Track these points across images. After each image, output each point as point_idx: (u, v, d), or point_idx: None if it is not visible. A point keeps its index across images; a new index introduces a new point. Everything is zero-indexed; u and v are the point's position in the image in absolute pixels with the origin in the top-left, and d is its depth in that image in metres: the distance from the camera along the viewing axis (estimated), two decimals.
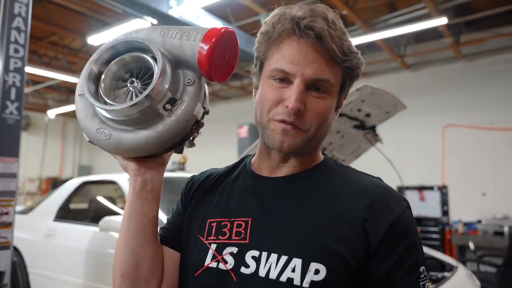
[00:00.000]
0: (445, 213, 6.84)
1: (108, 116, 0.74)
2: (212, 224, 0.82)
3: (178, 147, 0.80)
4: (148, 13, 3.72)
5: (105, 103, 0.74)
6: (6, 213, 2.34)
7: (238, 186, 0.86)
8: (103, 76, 0.77)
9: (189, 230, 0.86)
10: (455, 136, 6.95)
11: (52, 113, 11.26)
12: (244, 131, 6.01)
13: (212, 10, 4.68)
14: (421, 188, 7.07)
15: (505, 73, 6.56)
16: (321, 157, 0.86)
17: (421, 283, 0.72)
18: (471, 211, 6.64)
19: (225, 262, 0.76)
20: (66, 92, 10.49)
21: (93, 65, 0.77)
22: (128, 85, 0.76)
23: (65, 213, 3.68)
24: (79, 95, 0.78)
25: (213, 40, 0.71)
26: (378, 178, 0.81)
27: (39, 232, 3.56)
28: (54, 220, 3.58)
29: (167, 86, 0.72)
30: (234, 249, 0.76)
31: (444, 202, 6.90)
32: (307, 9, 0.75)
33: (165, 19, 3.83)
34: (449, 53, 6.96)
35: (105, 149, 0.77)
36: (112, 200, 4.04)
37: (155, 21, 3.93)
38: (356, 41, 5.97)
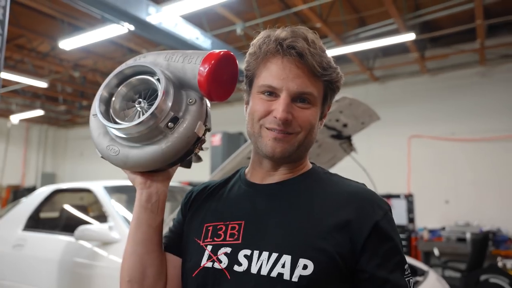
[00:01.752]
0: (411, 220, 7.09)
1: (117, 134, 0.81)
2: (209, 228, 0.88)
3: (181, 162, 0.86)
4: (126, 19, 3.69)
5: (115, 122, 0.82)
6: None
7: (233, 194, 0.93)
8: (113, 98, 0.85)
9: (188, 236, 0.92)
10: (420, 147, 7.26)
11: (15, 118, 10.82)
12: (217, 139, 6.01)
13: (188, 19, 4.70)
14: (388, 197, 7.31)
15: (467, 87, 6.95)
16: (309, 165, 0.94)
17: (406, 279, 0.79)
18: (436, 219, 6.93)
19: (220, 261, 0.82)
20: (31, 97, 10.11)
21: (103, 89, 0.84)
22: (136, 105, 0.83)
23: (35, 223, 3.55)
24: (93, 115, 0.85)
25: (212, 63, 0.78)
26: (363, 184, 0.89)
27: (6, 242, 3.42)
28: (23, 230, 3.44)
29: (170, 105, 0.78)
30: (228, 249, 0.82)
31: (410, 210, 7.16)
32: (289, 31, 0.84)
33: (143, 26, 3.82)
34: (414, 67, 7.29)
35: (114, 164, 0.84)
36: (83, 208, 3.94)
37: (132, 27, 3.90)
38: (328, 53, 6.14)
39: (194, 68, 0.79)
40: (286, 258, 0.76)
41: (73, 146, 13.17)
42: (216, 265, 0.82)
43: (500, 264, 4.78)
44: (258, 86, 0.85)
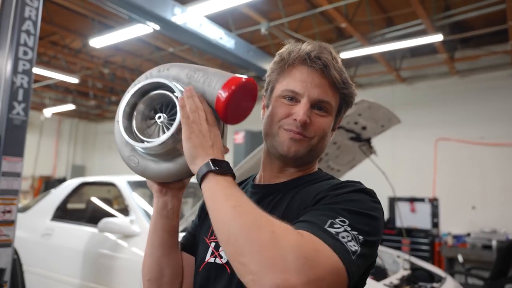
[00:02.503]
0: (435, 225, 6.95)
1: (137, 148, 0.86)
2: None
3: None
4: (152, 19, 3.79)
5: (137, 136, 0.86)
6: (9, 211, 2.39)
7: None
8: (135, 113, 0.88)
9: (200, 236, 1.00)
10: (447, 150, 7.08)
11: (48, 112, 11.26)
12: (240, 137, 6.07)
13: (214, 19, 4.77)
14: (412, 200, 7.18)
15: (498, 90, 6.72)
16: (315, 168, 0.98)
17: (331, 229, 0.68)
18: (461, 224, 6.76)
19: (221, 257, 0.88)
20: (64, 92, 10.50)
21: (126, 104, 0.87)
22: (157, 119, 0.87)
23: (63, 213, 3.72)
24: (117, 121, 0.89)
25: (230, 91, 0.80)
26: (358, 182, 0.88)
27: (36, 231, 3.60)
28: (51, 220, 3.61)
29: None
30: None
31: (435, 214, 7.01)
32: (317, 45, 0.90)
33: (169, 26, 3.91)
34: (443, 68, 7.11)
35: (134, 172, 0.90)
36: (109, 201, 4.08)
37: (158, 27, 4.00)
38: (353, 53, 6.09)
39: (212, 92, 0.82)
40: None
41: (102, 140, 13.58)
42: (218, 260, 0.88)
43: None
44: (281, 90, 0.90)
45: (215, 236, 0.91)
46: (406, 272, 2.84)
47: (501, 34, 6.02)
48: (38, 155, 11.57)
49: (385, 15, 5.99)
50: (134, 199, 3.15)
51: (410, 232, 6.72)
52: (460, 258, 5.92)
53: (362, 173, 3.33)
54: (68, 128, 13.25)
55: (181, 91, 0.82)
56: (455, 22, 5.86)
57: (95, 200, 3.99)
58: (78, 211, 3.97)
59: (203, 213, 1.03)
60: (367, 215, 0.74)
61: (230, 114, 0.82)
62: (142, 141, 0.84)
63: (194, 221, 1.07)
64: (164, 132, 0.84)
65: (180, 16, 3.81)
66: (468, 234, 6.44)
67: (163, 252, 0.93)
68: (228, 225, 0.65)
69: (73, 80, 8.17)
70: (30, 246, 3.57)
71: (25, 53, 2.54)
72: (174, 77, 0.86)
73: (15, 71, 2.46)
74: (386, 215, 6.94)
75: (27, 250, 3.59)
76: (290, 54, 0.90)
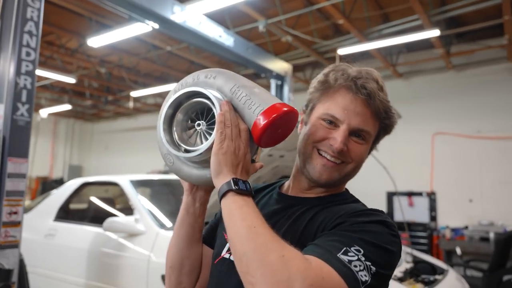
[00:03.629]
0: (433, 218, 7.02)
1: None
2: None
3: None
4: (151, 18, 3.79)
5: (176, 142, 0.89)
6: (15, 213, 2.39)
7: (264, 200, 1.02)
8: (175, 120, 0.90)
9: (220, 230, 1.03)
10: (444, 144, 7.14)
11: (44, 112, 11.20)
12: None
13: (211, 17, 4.76)
14: (410, 194, 7.24)
15: (493, 84, 6.78)
16: (343, 189, 0.99)
17: (345, 257, 0.69)
18: (458, 217, 6.83)
19: None
20: (60, 92, 10.45)
21: (168, 107, 0.89)
22: (196, 127, 0.89)
23: (65, 213, 3.72)
24: (160, 116, 0.91)
25: (268, 119, 0.79)
26: (382, 211, 0.89)
27: (39, 231, 3.60)
28: (54, 220, 3.62)
29: None
30: None
31: (432, 208, 7.08)
32: (364, 71, 0.90)
33: (168, 24, 3.91)
34: (439, 63, 7.16)
35: (169, 169, 0.94)
36: (110, 201, 4.09)
37: (157, 26, 4.00)
38: (350, 49, 6.12)
39: (251, 116, 0.81)
40: None
41: (99, 140, 13.54)
42: (232, 257, 0.90)
43: None
44: (322, 113, 0.90)
45: None
46: (409, 265, 2.88)
47: (496, 28, 6.07)
48: (35, 156, 11.50)
49: (381, 11, 6.02)
50: (138, 198, 3.17)
51: (409, 226, 6.79)
52: (458, 250, 5.99)
53: (362, 167, 3.36)
54: (64, 129, 13.20)
55: (219, 103, 0.82)
56: (451, 17, 5.90)
57: (97, 200, 3.99)
58: (81, 211, 3.98)
59: None
60: (383, 248, 0.74)
61: (264, 140, 0.82)
62: (179, 147, 0.88)
63: (217, 215, 1.10)
64: (202, 139, 0.87)
65: (180, 15, 3.81)
66: (466, 227, 6.51)
67: (186, 244, 0.98)
68: (241, 245, 0.68)
69: (70, 80, 8.13)
70: (33, 247, 3.57)
71: (28, 54, 2.54)
72: (218, 88, 0.86)
73: (18, 72, 2.47)
74: (385, 210, 6.98)
75: (31, 251, 3.59)
76: (337, 79, 0.89)
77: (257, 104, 0.81)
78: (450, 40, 6.69)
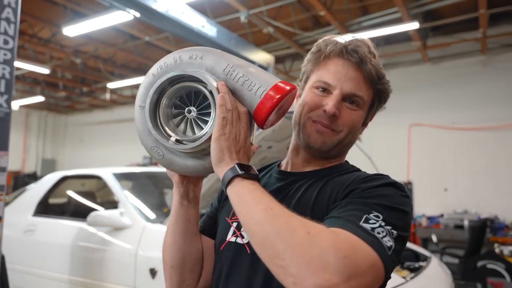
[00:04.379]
0: None
1: (166, 145, 0.80)
2: None
3: None
4: (133, 6, 3.69)
5: (165, 132, 0.80)
6: None
7: (263, 181, 0.99)
8: (160, 108, 0.81)
9: (221, 216, 1.00)
10: (420, 135, 7.33)
11: (15, 105, 10.78)
12: None
13: (191, 5, 4.68)
14: None
15: (468, 76, 6.99)
16: (343, 160, 0.98)
17: (366, 225, 0.68)
18: (434, 206, 7.05)
19: (242, 237, 0.89)
20: (32, 83, 10.09)
21: (154, 93, 0.80)
22: (186, 114, 0.81)
23: (45, 208, 3.60)
24: (139, 106, 0.83)
25: (273, 101, 0.75)
26: (387, 175, 0.88)
27: (17, 227, 3.47)
28: (33, 215, 3.50)
29: None
30: None
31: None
32: (355, 39, 0.89)
33: (150, 13, 3.81)
34: (416, 55, 7.32)
35: (158, 163, 0.87)
36: (91, 194, 3.99)
37: (138, 14, 3.90)
38: None
39: (253, 98, 0.77)
40: None
41: (73, 132, 13.18)
42: (239, 240, 0.89)
43: (497, 250, 4.89)
44: (314, 81, 0.90)
45: (236, 216, 0.93)
46: None
47: (471, 22, 6.23)
48: None
49: (361, 3, 6.08)
50: (122, 191, 3.10)
51: None
52: (434, 238, 6.19)
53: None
54: (37, 121, 12.77)
55: (215, 87, 0.77)
56: (427, 10, 6.02)
57: (77, 194, 3.89)
58: (61, 206, 3.86)
59: (223, 197, 1.03)
60: (399, 210, 0.74)
61: (267, 122, 0.79)
62: (169, 137, 0.80)
63: (214, 204, 1.07)
64: (193, 127, 0.80)
65: (162, 3, 3.72)
66: (441, 215, 6.73)
67: (185, 240, 0.94)
68: (262, 229, 0.65)
69: (44, 70, 7.85)
70: (11, 243, 3.45)
71: (6, 42, 2.42)
72: (208, 69, 0.80)
73: None
74: None
75: (9, 247, 3.46)
76: (327, 46, 0.89)
77: (257, 84, 0.77)
78: (427, 33, 6.84)
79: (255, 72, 0.79)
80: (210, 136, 0.76)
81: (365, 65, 0.86)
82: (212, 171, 0.82)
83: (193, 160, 0.81)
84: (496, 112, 6.67)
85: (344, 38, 0.90)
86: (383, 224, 0.69)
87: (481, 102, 6.81)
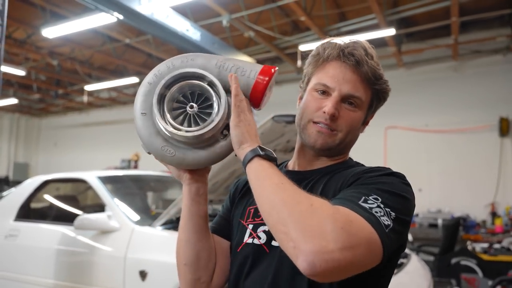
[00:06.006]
0: None
1: (177, 138, 0.85)
2: (251, 210, 1.00)
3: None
4: (117, 9, 3.69)
5: (174, 126, 0.84)
6: None
7: None
8: (165, 103, 0.86)
9: (235, 218, 1.04)
10: (395, 137, 7.57)
11: None
12: None
13: (173, 9, 4.71)
14: None
15: (440, 81, 7.28)
16: (347, 157, 1.05)
17: (365, 205, 0.73)
18: None
19: (259, 238, 0.94)
20: (4, 85, 9.78)
21: (158, 94, 0.85)
22: (188, 109, 0.86)
23: (27, 213, 3.54)
24: (141, 113, 0.87)
25: (267, 79, 0.84)
26: (389, 168, 0.95)
27: None
28: (15, 220, 3.43)
29: (226, 115, 0.86)
30: (266, 228, 0.93)
31: None
32: (353, 41, 0.95)
33: (134, 16, 3.82)
34: (391, 60, 7.55)
35: (168, 163, 0.91)
36: (74, 198, 3.94)
37: (121, 17, 3.90)
38: (310, 46, 6.30)
39: (247, 81, 0.85)
40: None
41: (47, 136, 12.85)
42: (256, 241, 0.93)
43: (469, 247, 5.12)
44: (314, 83, 0.95)
45: (252, 218, 0.98)
46: None
47: (444, 29, 6.51)
48: None
49: (339, 10, 6.24)
50: (109, 194, 3.09)
51: None
52: (410, 237, 6.39)
53: None
54: (8, 124, 12.39)
55: (215, 80, 0.85)
56: (402, 17, 6.25)
57: (60, 198, 3.84)
58: (43, 210, 3.79)
59: (236, 197, 1.08)
60: (399, 195, 0.80)
61: (262, 101, 0.87)
62: (180, 130, 0.83)
63: (225, 205, 1.11)
64: (195, 122, 0.85)
65: (147, 6, 3.74)
66: (416, 215, 6.96)
67: (198, 237, 0.97)
68: (270, 199, 0.72)
69: (19, 72, 7.65)
70: None
71: None
72: (201, 67, 0.87)
73: None
74: None
75: None
76: (326, 50, 0.94)
77: (249, 70, 0.86)
78: (401, 39, 7.08)
79: (242, 61, 0.89)
80: (219, 122, 0.83)
81: (362, 67, 0.90)
82: (223, 157, 0.89)
83: (204, 150, 0.87)
84: (467, 115, 6.98)
85: (343, 41, 0.95)
86: (381, 205, 0.75)
87: (453, 105, 7.10)
